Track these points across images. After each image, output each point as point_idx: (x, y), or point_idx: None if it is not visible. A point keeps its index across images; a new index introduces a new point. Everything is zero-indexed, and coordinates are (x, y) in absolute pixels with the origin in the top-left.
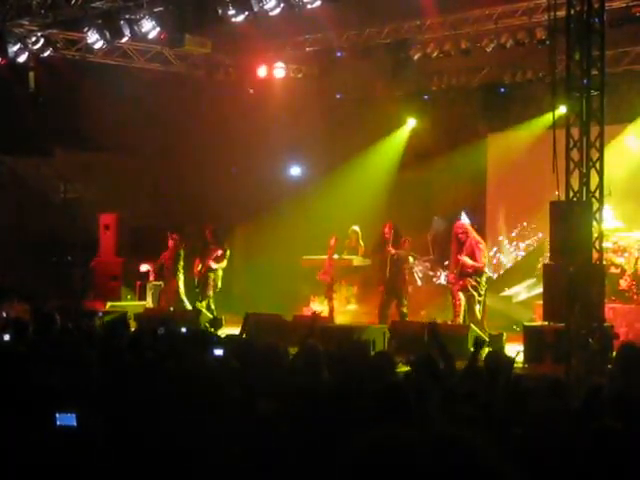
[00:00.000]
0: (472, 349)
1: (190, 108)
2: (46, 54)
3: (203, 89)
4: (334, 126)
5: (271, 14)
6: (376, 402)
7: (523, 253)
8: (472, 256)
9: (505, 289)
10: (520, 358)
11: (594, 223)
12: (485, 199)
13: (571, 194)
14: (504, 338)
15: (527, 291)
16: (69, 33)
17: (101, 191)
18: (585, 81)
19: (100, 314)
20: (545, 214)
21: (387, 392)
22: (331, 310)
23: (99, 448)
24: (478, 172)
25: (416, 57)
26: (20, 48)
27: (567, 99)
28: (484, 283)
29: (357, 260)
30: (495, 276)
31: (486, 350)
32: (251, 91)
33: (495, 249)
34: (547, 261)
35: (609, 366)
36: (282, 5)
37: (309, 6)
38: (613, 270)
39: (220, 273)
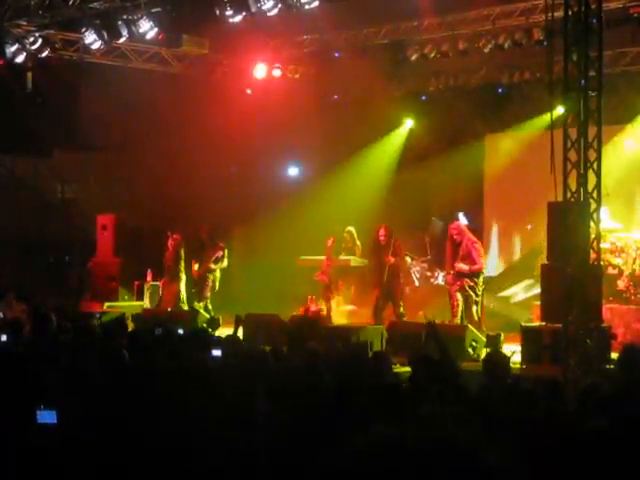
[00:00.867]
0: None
1: (188, 108)
2: (44, 54)
3: (201, 89)
4: (332, 127)
5: (269, 14)
6: (374, 402)
7: (520, 254)
8: (469, 257)
9: (503, 290)
10: (518, 358)
11: (592, 224)
12: (482, 200)
13: (569, 195)
14: (502, 339)
15: (525, 292)
16: (67, 33)
17: (99, 191)
18: (583, 82)
19: (98, 314)
20: (543, 215)
21: (385, 392)
22: (328, 310)
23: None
24: (475, 173)
25: (414, 57)
26: (18, 48)
27: (565, 100)
28: (481, 283)
29: (354, 261)
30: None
31: (484, 350)
32: (249, 91)
33: (492, 250)
34: (545, 262)
35: (607, 366)
36: (280, 5)
37: (307, 6)
38: (611, 271)
39: (218, 274)
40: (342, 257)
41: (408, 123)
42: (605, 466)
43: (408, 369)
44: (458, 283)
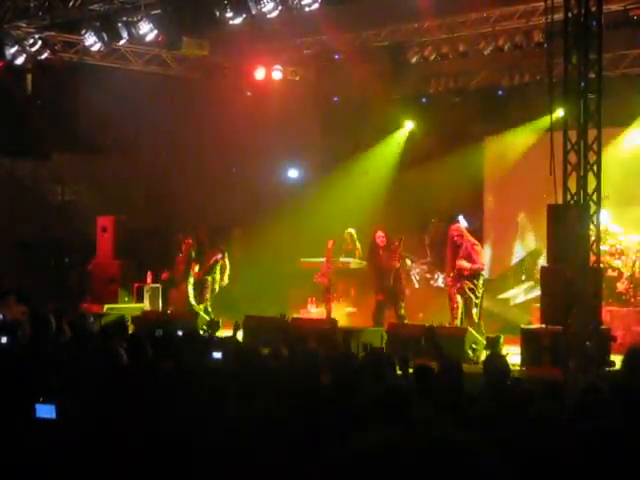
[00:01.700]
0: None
1: (188, 111)
2: (44, 56)
3: (201, 92)
4: (332, 129)
5: (269, 17)
6: (374, 404)
7: (520, 256)
8: (469, 258)
9: (503, 292)
10: (514, 360)
11: (591, 226)
12: (482, 202)
13: (568, 197)
14: (501, 341)
15: (525, 294)
16: (67, 35)
17: (98, 193)
18: (582, 84)
19: (92, 317)
20: (543, 217)
21: (386, 394)
22: (329, 313)
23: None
24: (475, 175)
25: (414, 60)
26: (17, 50)
27: (564, 102)
28: (481, 285)
29: (354, 263)
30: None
31: (483, 352)
32: (249, 94)
33: (492, 252)
34: (545, 264)
35: (607, 369)
36: (280, 8)
37: (307, 9)
38: (610, 273)
39: (218, 277)
40: (342, 259)
41: (408, 125)
42: (604, 468)
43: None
44: (458, 285)
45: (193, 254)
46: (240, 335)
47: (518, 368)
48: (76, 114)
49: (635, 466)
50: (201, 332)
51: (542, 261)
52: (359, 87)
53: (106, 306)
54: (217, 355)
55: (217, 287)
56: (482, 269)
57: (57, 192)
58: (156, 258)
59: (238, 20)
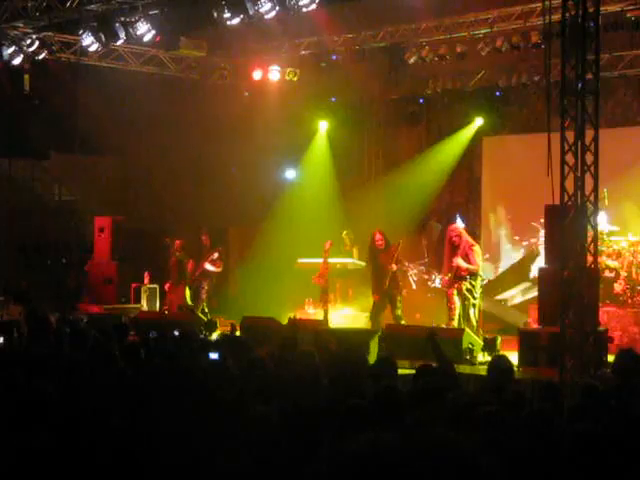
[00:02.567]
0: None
1: (185, 111)
2: (41, 56)
3: (198, 92)
4: (329, 129)
5: (266, 17)
6: (372, 406)
7: (518, 256)
8: (466, 259)
9: (500, 292)
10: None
11: (589, 227)
12: (480, 203)
13: (566, 198)
14: (499, 341)
15: (522, 294)
16: (64, 35)
17: (96, 194)
18: (580, 85)
19: (85, 317)
20: (540, 217)
21: (383, 396)
22: (326, 313)
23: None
24: (473, 175)
25: (411, 60)
26: (15, 50)
27: (562, 103)
28: (479, 286)
29: (352, 264)
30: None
31: (480, 353)
32: (246, 94)
33: (490, 252)
34: (542, 264)
35: (603, 369)
36: (277, 8)
37: (304, 9)
38: (607, 274)
39: (214, 280)
40: (339, 260)
41: (404, 125)
42: (600, 468)
43: (406, 372)
44: (456, 286)
45: (183, 256)
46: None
47: (515, 369)
48: (74, 114)
49: (628, 467)
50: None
51: (539, 262)
52: (357, 88)
53: (103, 306)
54: (214, 356)
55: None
56: (478, 270)
57: (54, 192)
58: (153, 259)
59: (236, 20)
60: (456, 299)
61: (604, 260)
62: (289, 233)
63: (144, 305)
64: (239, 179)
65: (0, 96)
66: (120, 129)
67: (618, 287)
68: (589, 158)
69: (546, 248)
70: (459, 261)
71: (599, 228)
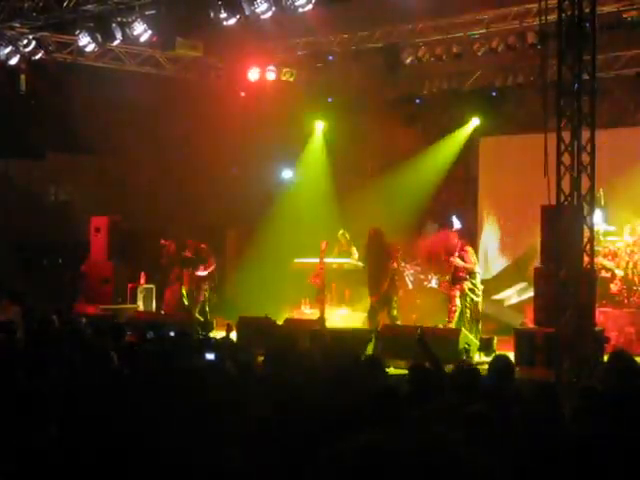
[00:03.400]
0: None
1: (182, 111)
2: (38, 57)
3: (195, 92)
4: (325, 129)
5: (263, 17)
6: (367, 406)
7: (514, 257)
8: (461, 258)
9: (496, 293)
10: None
11: (585, 227)
12: (476, 203)
13: (562, 198)
14: (495, 342)
15: (518, 295)
16: (61, 36)
17: (92, 194)
18: (576, 85)
19: (82, 317)
20: (536, 218)
21: (378, 396)
22: (322, 314)
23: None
24: (470, 176)
25: (408, 61)
26: (11, 50)
27: (558, 103)
28: (479, 284)
29: (348, 264)
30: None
31: (477, 353)
32: (242, 94)
33: (486, 253)
34: (538, 265)
35: (600, 370)
36: (274, 8)
37: (301, 9)
38: (604, 274)
39: (214, 284)
40: (336, 260)
41: (401, 126)
42: (596, 469)
43: (401, 372)
44: (458, 287)
45: (178, 257)
46: (233, 336)
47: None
48: (70, 115)
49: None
50: (195, 333)
51: (536, 262)
52: (353, 88)
53: (99, 306)
54: (210, 356)
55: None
56: (473, 268)
57: (51, 192)
58: (150, 259)
59: (232, 21)
60: (458, 301)
61: (600, 260)
62: (286, 233)
63: (140, 305)
64: (236, 179)
65: None
66: (116, 129)
67: (614, 287)
68: (585, 158)
69: (542, 248)
70: (456, 260)
71: (595, 228)
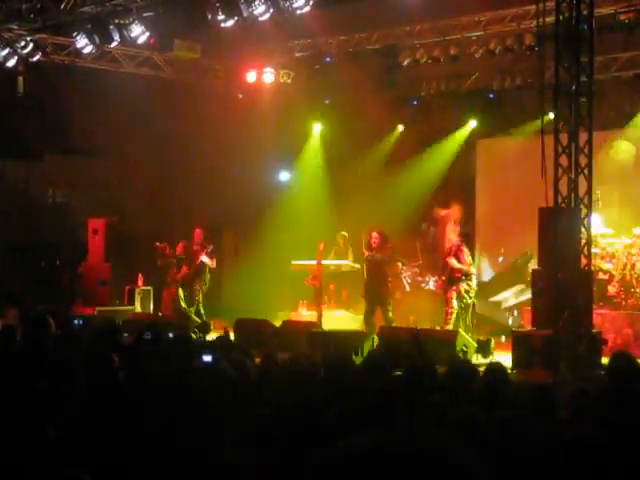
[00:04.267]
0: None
1: (179, 113)
2: (35, 58)
3: (192, 94)
4: (323, 131)
5: (260, 19)
6: (364, 408)
7: (512, 259)
8: (457, 259)
9: (494, 295)
10: (508, 363)
11: (582, 229)
12: (474, 204)
13: (560, 200)
14: (493, 344)
15: (516, 297)
16: (58, 38)
17: (90, 195)
18: (574, 87)
19: (78, 319)
20: (534, 220)
21: (376, 397)
22: (319, 315)
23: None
24: (467, 178)
25: (405, 63)
26: (9, 52)
27: (556, 105)
28: (474, 286)
29: (346, 265)
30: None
31: (474, 356)
32: (240, 96)
33: (483, 254)
34: (536, 267)
35: (597, 372)
36: (271, 10)
37: (298, 11)
38: (601, 276)
39: (207, 277)
40: (334, 262)
41: (399, 128)
42: (592, 472)
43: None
44: (454, 289)
45: (173, 258)
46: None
47: (509, 371)
48: (68, 116)
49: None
50: (192, 335)
51: (533, 264)
52: (351, 90)
53: (97, 308)
54: (207, 358)
55: (205, 288)
56: (469, 269)
57: (48, 194)
58: (147, 261)
59: (230, 23)
60: (454, 303)
61: (598, 262)
62: (283, 235)
63: (138, 307)
64: (233, 181)
65: None
66: (114, 131)
67: (612, 289)
68: (583, 160)
69: (540, 250)
70: (452, 261)
71: (593, 230)
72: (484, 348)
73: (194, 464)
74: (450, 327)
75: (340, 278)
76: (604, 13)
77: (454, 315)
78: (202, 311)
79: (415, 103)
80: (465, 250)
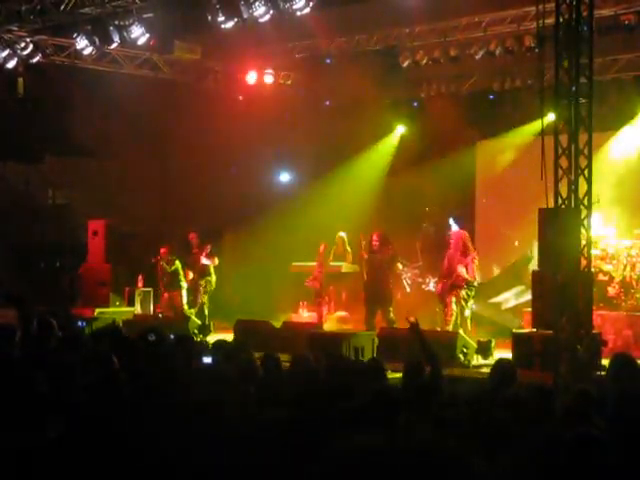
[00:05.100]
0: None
1: (179, 115)
2: (35, 60)
3: (192, 95)
4: (323, 132)
5: (260, 20)
6: (364, 409)
7: (512, 259)
8: (467, 268)
9: (494, 296)
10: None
11: (582, 230)
12: (474, 206)
13: (560, 201)
14: (493, 345)
15: (516, 298)
16: (58, 39)
17: (90, 197)
18: (573, 88)
19: (80, 321)
20: (534, 221)
21: (375, 399)
22: (320, 317)
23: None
24: (467, 179)
25: (405, 64)
26: (9, 54)
27: (555, 106)
28: (473, 295)
29: (346, 267)
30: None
31: (475, 356)
32: (240, 97)
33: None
34: (536, 268)
35: (597, 373)
36: (271, 12)
37: (298, 13)
38: (601, 277)
39: (213, 278)
40: (333, 263)
41: (400, 129)
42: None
43: (399, 375)
44: (454, 293)
45: (174, 262)
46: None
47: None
48: (68, 118)
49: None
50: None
51: (533, 265)
52: (351, 91)
53: (97, 310)
54: (207, 360)
55: (214, 285)
56: (474, 281)
57: (48, 195)
58: (147, 262)
59: (230, 24)
60: (454, 307)
61: (598, 264)
62: (283, 236)
63: (138, 308)
64: (233, 182)
65: None
66: (114, 132)
67: (612, 290)
68: (583, 161)
69: (540, 251)
70: (462, 270)
71: (593, 231)
72: (484, 349)
73: (194, 464)
74: (450, 328)
75: (340, 279)
76: (604, 14)
77: (453, 318)
78: (206, 312)
79: (415, 104)
80: (476, 263)
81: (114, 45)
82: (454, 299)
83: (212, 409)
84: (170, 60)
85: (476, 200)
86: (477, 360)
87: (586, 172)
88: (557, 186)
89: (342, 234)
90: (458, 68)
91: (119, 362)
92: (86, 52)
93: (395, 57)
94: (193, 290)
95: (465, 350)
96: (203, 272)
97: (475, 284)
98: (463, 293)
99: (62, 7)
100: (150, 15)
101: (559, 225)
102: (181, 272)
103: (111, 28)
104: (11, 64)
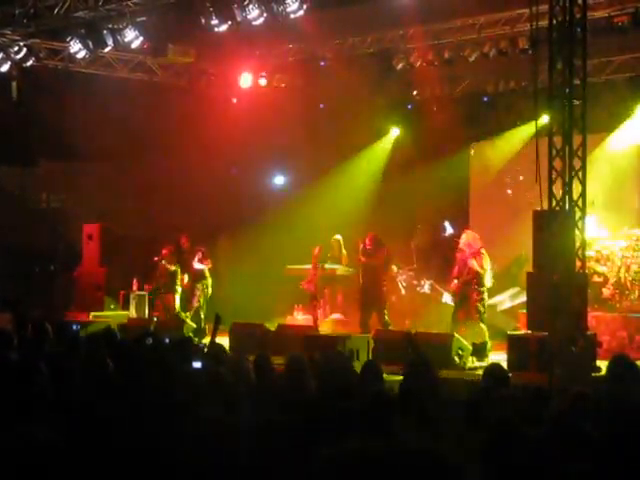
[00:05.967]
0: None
1: (173, 118)
2: (29, 63)
3: (186, 99)
4: (318, 135)
5: (254, 23)
6: (360, 411)
7: (506, 261)
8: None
9: (489, 298)
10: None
11: (577, 232)
12: (468, 208)
13: (554, 203)
14: (488, 347)
15: (511, 300)
16: (52, 43)
17: (84, 201)
18: (567, 90)
19: (76, 325)
20: (528, 223)
21: (372, 401)
22: (315, 319)
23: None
24: (461, 181)
25: (399, 66)
26: (3, 58)
27: (549, 108)
28: (486, 295)
29: (341, 269)
30: None
31: (470, 358)
32: (234, 100)
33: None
34: (530, 270)
35: (593, 374)
36: (265, 15)
37: (292, 16)
38: (596, 279)
39: (209, 281)
40: (328, 266)
41: (394, 132)
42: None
43: (395, 377)
44: (475, 295)
45: (172, 265)
46: (225, 342)
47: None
48: (62, 121)
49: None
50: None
51: (528, 267)
52: (345, 93)
53: (92, 314)
54: (197, 364)
55: (210, 290)
56: (485, 274)
57: (43, 199)
58: (142, 265)
59: (223, 27)
60: (480, 307)
61: (593, 265)
62: (278, 239)
63: (133, 312)
64: (228, 185)
65: None
66: (108, 136)
67: (606, 292)
68: (577, 163)
69: (534, 253)
70: (473, 262)
71: (587, 233)
72: (479, 351)
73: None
74: (477, 322)
75: (335, 282)
76: (597, 16)
77: (480, 311)
78: (202, 316)
79: (409, 107)
80: (485, 254)
81: (108, 49)
82: (477, 300)
83: (212, 409)
84: (164, 63)
85: (470, 202)
86: (472, 362)
87: (580, 174)
88: (551, 188)
89: (338, 237)
90: (452, 70)
91: (114, 365)
92: (80, 56)
93: (389, 59)
94: (188, 294)
95: (460, 352)
96: (199, 276)
97: (486, 282)
98: (475, 294)
99: (56, 11)
100: (144, 19)
101: (554, 227)
102: (179, 276)
103: (105, 32)
104: (4, 68)
